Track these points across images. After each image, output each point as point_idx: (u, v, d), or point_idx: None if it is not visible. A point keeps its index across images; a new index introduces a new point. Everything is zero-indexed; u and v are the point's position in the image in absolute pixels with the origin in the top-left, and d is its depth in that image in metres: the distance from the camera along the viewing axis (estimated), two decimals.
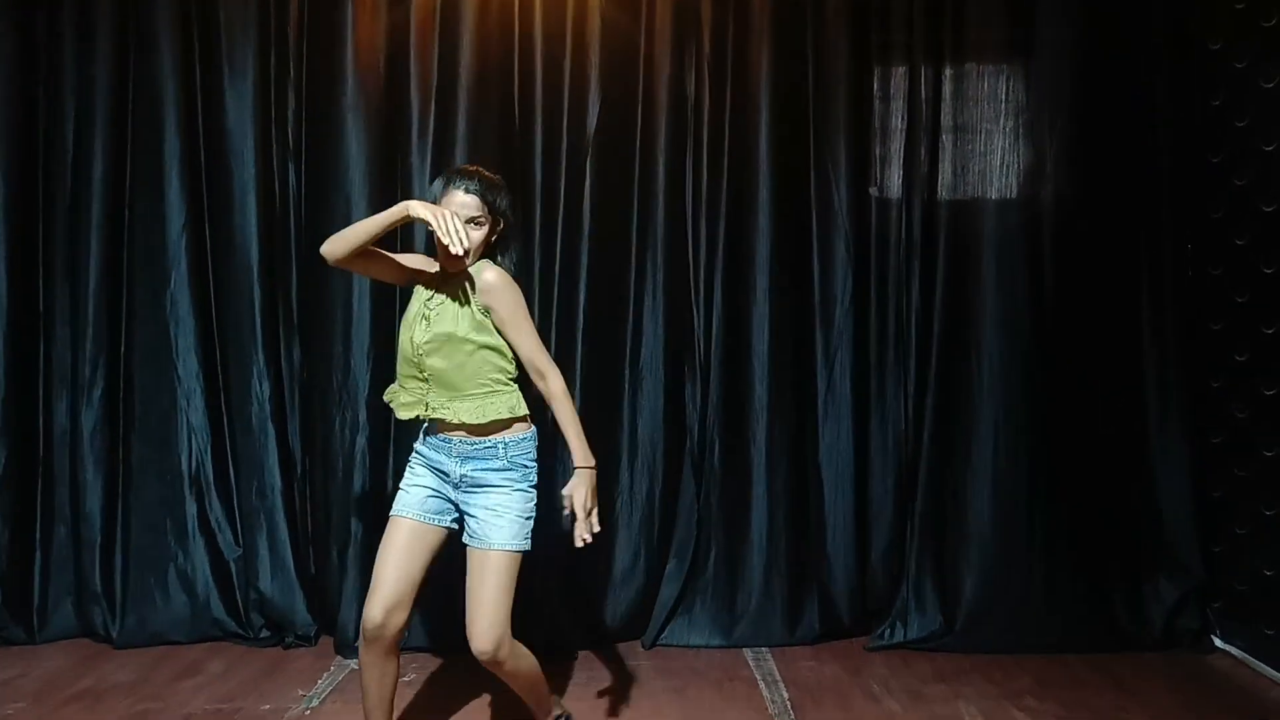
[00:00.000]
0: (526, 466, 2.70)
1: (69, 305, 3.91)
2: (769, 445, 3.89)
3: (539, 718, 2.91)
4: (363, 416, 3.81)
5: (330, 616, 3.88)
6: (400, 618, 2.64)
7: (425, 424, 2.78)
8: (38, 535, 3.91)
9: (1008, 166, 3.92)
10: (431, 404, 2.68)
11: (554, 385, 2.66)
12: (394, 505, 2.75)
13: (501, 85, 3.82)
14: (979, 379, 3.90)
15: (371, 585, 2.66)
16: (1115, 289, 3.92)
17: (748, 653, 3.79)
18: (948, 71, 3.96)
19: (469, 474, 2.67)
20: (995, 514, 3.89)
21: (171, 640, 3.84)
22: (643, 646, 3.85)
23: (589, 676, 3.54)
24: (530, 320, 2.71)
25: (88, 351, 3.88)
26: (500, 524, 2.62)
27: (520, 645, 2.69)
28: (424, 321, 2.67)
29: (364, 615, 2.63)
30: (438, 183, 2.76)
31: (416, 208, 2.54)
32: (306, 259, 3.90)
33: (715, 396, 3.90)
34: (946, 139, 3.95)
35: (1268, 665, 3.58)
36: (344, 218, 3.74)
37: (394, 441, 3.84)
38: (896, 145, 4.00)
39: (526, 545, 2.67)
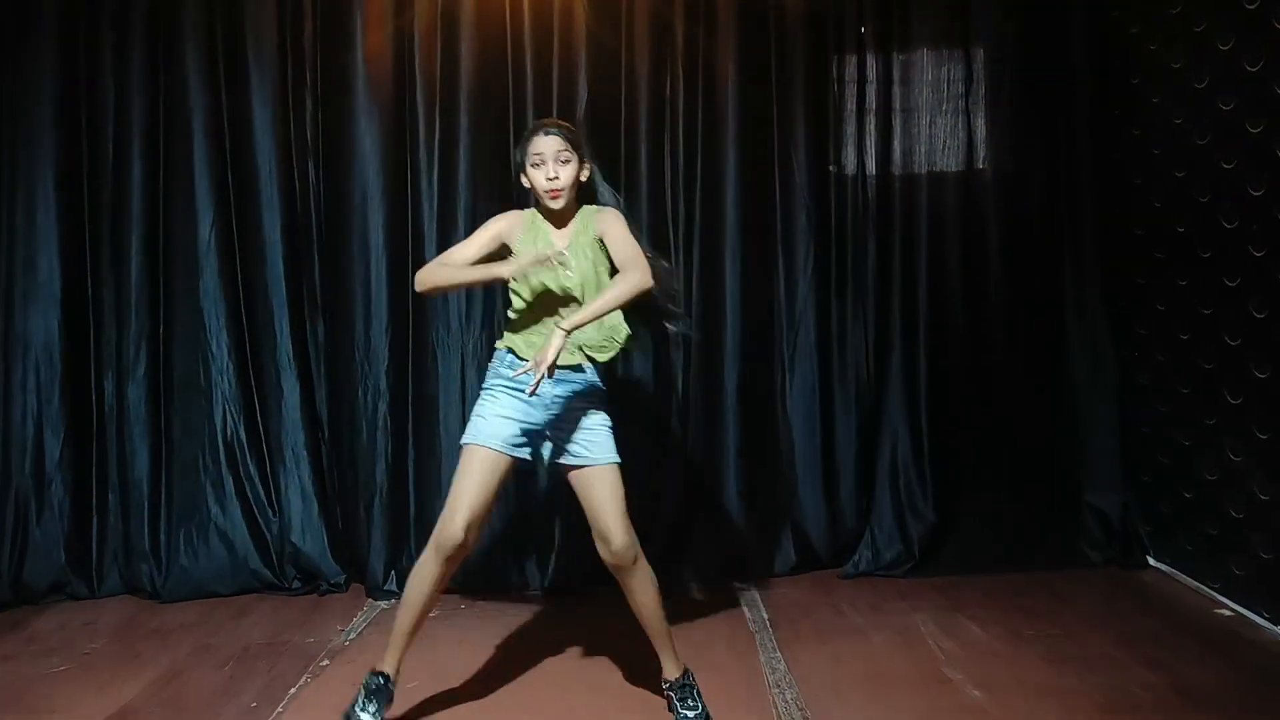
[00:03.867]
0: (604, 388, 2.99)
1: (114, 294, 4.32)
2: (740, 398, 4.33)
3: (664, 657, 3.02)
4: (383, 384, 4.25)
5: (360, 565, 4.32)
6: (474, 537, 2.87)
7: (507, 354, 2.94)
8: (94, 501, 4.33)
9: (947, 146, 4.37)
10: (586, 344, 2.90)
11: (630, 275, 2.77)
12: (470, 433, 2.88)
13: (498, 86, 4.23)
14: (930, 335, 4.35)
15: (451, 506, 2.84)
16: (1047, 251, 4.37)
17: (734, 584, 4.24)
18: (896, 59, 4.39)
19: (560, 395, 2.89)
20: (947, 454, 4.35)
21: (213, 592, 4.26)
22: None
23: (594, 609, 3.95)
24: (631, 236, 2.90)
25: (131, 334, 4.29)
26: (601, 440, 2.89)
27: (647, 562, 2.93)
28: (566, 272, 2.84)
29: (444, 532, 2.82)
30: (520, 146, 2.96)
31: (505, 271, 2.78)
32: (327, 247, 4.33)
33: (694, 358, 4.33)
34: (896, 121, 4.38)
35: (1191, 577, 4.04)
36: (360, 209, 4.24)
37: (411, 405, 4.28)
38: (852, 128, 4.41)
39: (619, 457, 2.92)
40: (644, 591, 2.94)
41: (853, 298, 4.41)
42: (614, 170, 4.29)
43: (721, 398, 4.35)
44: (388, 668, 2.99)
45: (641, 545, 4.10)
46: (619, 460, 2.91)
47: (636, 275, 2.77)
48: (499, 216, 3.04)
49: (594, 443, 2.89)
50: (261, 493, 4.38)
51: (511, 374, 2.88)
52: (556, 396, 2.90)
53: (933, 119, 4.40)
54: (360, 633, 3.83)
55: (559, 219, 2.97)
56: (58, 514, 4.29)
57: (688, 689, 2.98)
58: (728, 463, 4.36)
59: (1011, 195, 4.37)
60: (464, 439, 2.91)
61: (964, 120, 4.37)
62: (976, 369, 4.36)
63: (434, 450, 4.27)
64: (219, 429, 4.34)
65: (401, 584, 4.15)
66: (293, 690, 3.30)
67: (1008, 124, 4.37)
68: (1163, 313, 4.12)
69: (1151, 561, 4.30)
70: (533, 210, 3.03)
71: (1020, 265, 4.37)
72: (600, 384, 2.99)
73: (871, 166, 4.37)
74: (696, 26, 4.31)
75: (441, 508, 4.10)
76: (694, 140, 4.33)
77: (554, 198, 2.89)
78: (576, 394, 2.93)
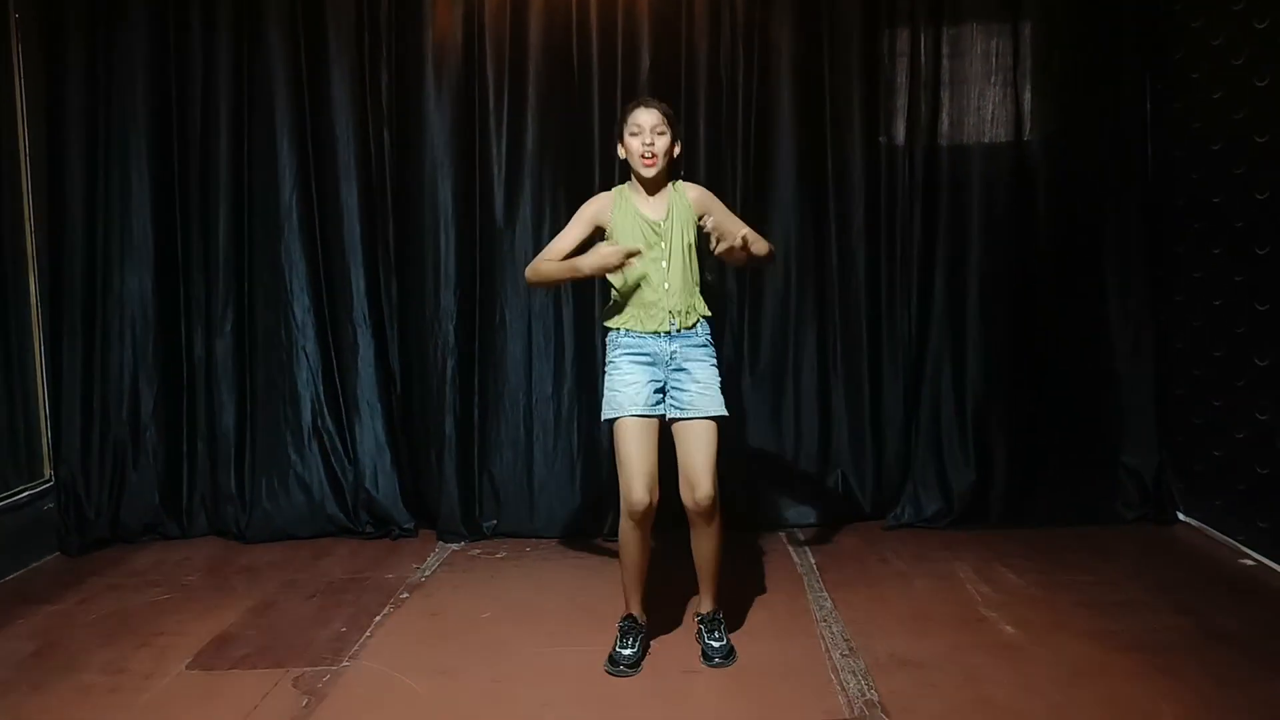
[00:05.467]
0: (714, 343, 3.23)
1: (202, 256, 4.62)
2: (796, 358, 4.58)
3: (707, 594, 3.23)
4: (452, 341, 4.52)
5: (430, 511, 4.61)
6: (656, 494, 3.04)
7: (622, 332, 3.17)
8: (184, 448, 4.66)
9: (995, 116, 4.53)
10: (674, 310, 3.12)
11: (766, 241, 3.21)
12: (612, 408, 3.09)
13: (564, 58, 4.46)
14: (972, 299, 4.53)
15: (626, 475, 3.02)
16: (1090, 219, 4.52)
17: (782, 533, 4.50)
18: (945, 33, 4.54)
19: (678, 350, 3.13)
20: (987, 413, 4.54)
21: (293, 535, 4.58)
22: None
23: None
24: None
25: (219, 294, 4.60)
26: (710, 394, 3.12)
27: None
28: (661, 242, 3.13)
29: (630, 500, 3.01)
30: (620, 119, 3.20)
31: (585, 268, 3.05)
32: (400, 211, 4.59)
33: (751, 315, 4.57)
34: (944, 93, 4.55)
35: (1220, 532, 4.22)
36: (431, 175, 4.50)
37: (478, 362, 4.55)
38: (902, 99, 4.58)
39: (726, 413, 3.15)
40: (710, 540, 3.15)
41: (902, 264, 4.60)
42: None
43: (779, 356, 4.59)
44: (633, 611, 3.24)
45: None
46: (722, 414, 3.13)
47: (769, 244, 3.22)
48: (590, 201, 3.27)
49: (703, 396, 3.11)
50: (338, 443, 4.67)
51: (632, 337, 3.15)
52: (674, 352, 3.14)
53: (981, 91, 4.55)
54: (434, 571, 4.12)
55: (650, 188, 3.19)
56: (151, 460, 4.62)
57: (717, 622, 3.21)
58: (781, 416, 4.61)
59: (1057, 165, 4.52)
60: (607, 415, 3.12)
61: (1012, 92, 4.52)
62: (1019, 333, 4.54)
63: (499, 404, 4.56)
64: (299, 382, 4.64)
65: (470, 528, 4.48)
66: (378, 618, 3.59)
67: (1055, 96, 4.51)
68: (1199, 280, 4.28)
69: (1182, 517, 4.48)
70: (620, 187, 3.27)
71: (1064, 234, 4.54)
72: (711, 340, 3.22)
73: (921, 137, 4.53)
74: (754, 4, 4.50)
75: (505, 455, 4.49)
76: (750, 110, 4.53)
77: (648, 165, 3.12)
78: (692, 347, 3.16)
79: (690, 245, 3.18)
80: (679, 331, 3.14)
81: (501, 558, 4.28)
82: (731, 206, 4.51)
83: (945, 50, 4.56)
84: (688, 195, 3.22)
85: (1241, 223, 3.91)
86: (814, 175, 4.57)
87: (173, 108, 4.59)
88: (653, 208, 3.18)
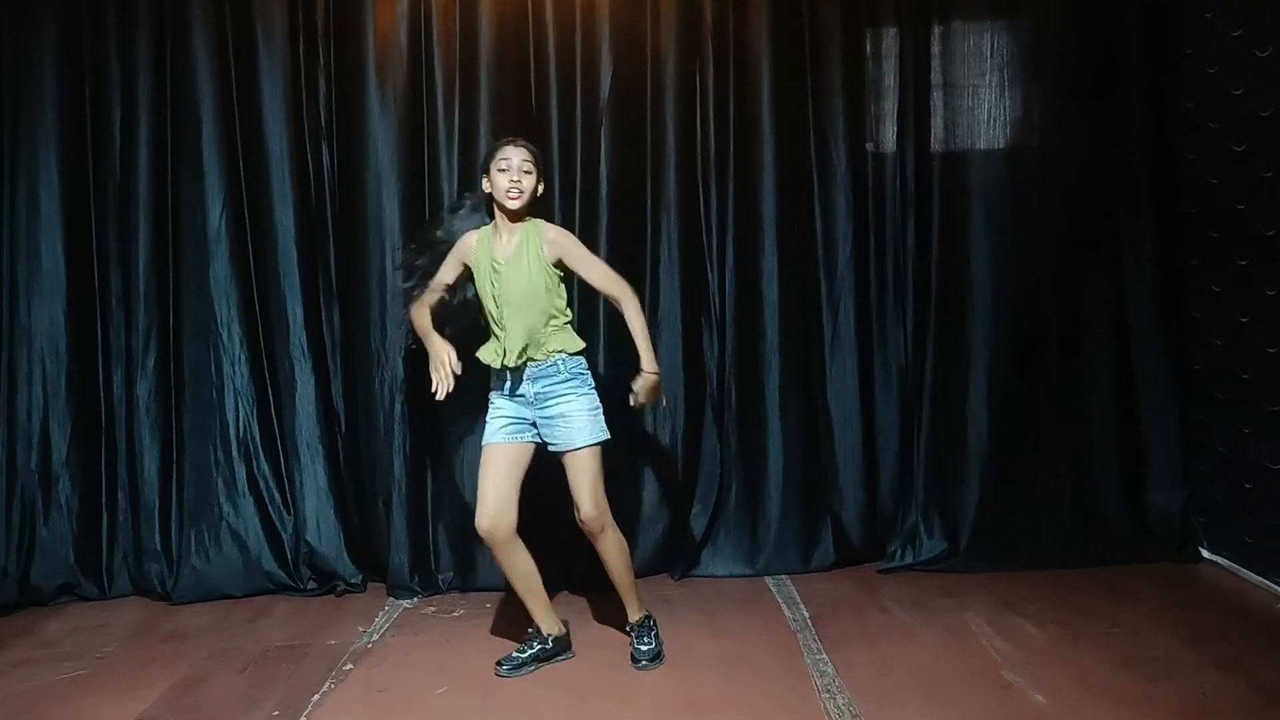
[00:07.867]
0: (583, 374, 3.27)
1: (121, 284, 4.16)
2: (781, 387, 4.16)
3: (628, 606, 3.39)
4: (401, 374, 4.07)
5: (379, 563, 4.15)
6: (507, 519, 3.19)
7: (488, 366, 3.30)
8: (103, 499, 4.18)
9: (993, 119, 4.17)
10: (512, 349, 3.19)
11: (628, 304, 3.22)
12: (484, 438, 3.28)
13: (519, 63, 4.06)
14: (973, 317, 4.15)
15: (478, 503, 3.21)
16: (1096, 231, 4.17)
17: (769, 580, 4.08)
18: (936, 31, 4.19)
19: (540, 390, 3.21)
20: (992, 442, 4.15)
21: (226, 594, 4.09)
22: (672, 578, 4.13)
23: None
24: (592, 254, 3.31)
25: (140, 326, 4.13)
26: (575, 426, 3.18)
27: (619, 530, 3.29)
28: (494, 281, 3.22)
29: (478, 527, 3.20)
30: (486, 153, 3.30)
31: (430, 349, 3.28)
32: (341, 233, 4.16)
33: (730, 345, 4.17)
34: (936, 95, 4.19)
35: (1249, 570, 3.86)
36: (375, 192, 4.06)
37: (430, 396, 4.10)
38: (890, 104, 4.22)
39: (605, 435, 3.23)
40: (611, 556, 3.31)
41: (894, 282, 4.24)
42: (639, 153, 4.13)
43: (760, 387, 4.19)
44: (551, 630, 3.35)
45: (675, 535, 3.90)
46: (595, 443, 3.20)
47: (633, 303, 3.24)
48: (462, 238, 3.38)
49: (571, 429, 3.19)
50: (275, 490, 4.20)
51: (493, 383, 3.35)
52: (537, 393, 3.23)
53: (975, 93, 4.19)
54: (383, 634, 3.66)
55: (507, 231, 3.25)
56: (66, 513, 4.14)
57: (645, 628, 3.37)
58: (766, 454, 4.19)
59: (1058, 173, 4.16)
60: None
61: (1007, 94, 4.17)
62: (1022, 354, 4.17)
63: (454, 442, 4.09)
64: (231, 423, 4.17)
65: (424, 582, 4.06)
66: (315, 697, 3.12)
67: (1054, 97, 4.15)
68: (1219, 294, 3.93)
69: (1206, 554, 4.11)
70: (486, 226, 3.34)
71: (1068, 247, 4.18)
72: (578, 373, 3.26)
73: (911, 143, 4.17)
74: (726, 5, 4.13)
75: (462, 499, 4.02)
76: (726, 120, 4.16)
77: (513, 200, 3.21)
78: (555, 384, 3.23)
79: (539, 287, 3.21)
80: (527, 366, 3.22)
81: (459, 616, 3.83)
82: (708, 223, 4.18)
83: (935, 50, 4.20)
84: (545, 235, 3.26)
85: (1272, 230, 3.56)
86: (797, 187, 4.19)
87: (87, 121, 4.15)
88: (503, 247, 3.26)
